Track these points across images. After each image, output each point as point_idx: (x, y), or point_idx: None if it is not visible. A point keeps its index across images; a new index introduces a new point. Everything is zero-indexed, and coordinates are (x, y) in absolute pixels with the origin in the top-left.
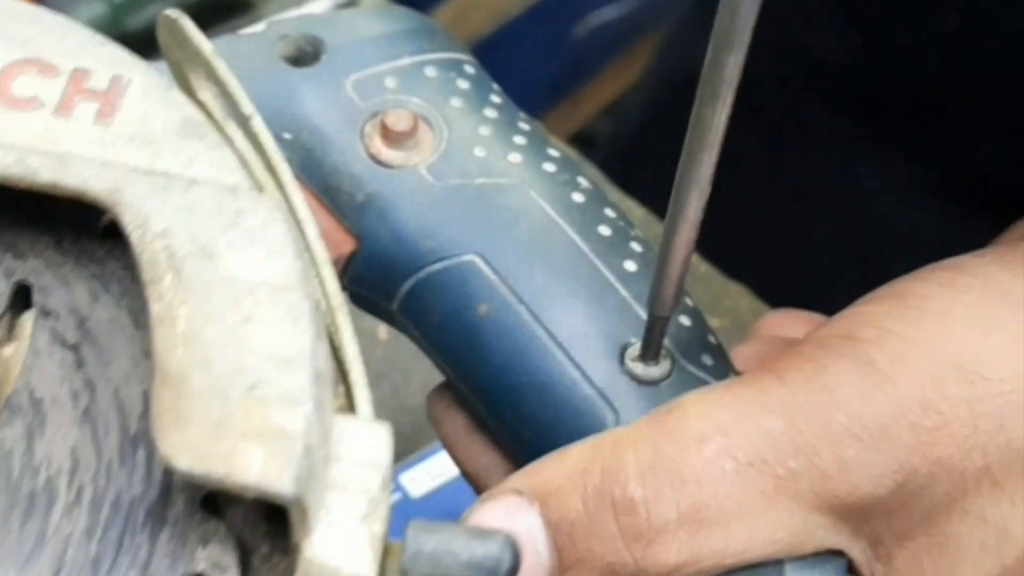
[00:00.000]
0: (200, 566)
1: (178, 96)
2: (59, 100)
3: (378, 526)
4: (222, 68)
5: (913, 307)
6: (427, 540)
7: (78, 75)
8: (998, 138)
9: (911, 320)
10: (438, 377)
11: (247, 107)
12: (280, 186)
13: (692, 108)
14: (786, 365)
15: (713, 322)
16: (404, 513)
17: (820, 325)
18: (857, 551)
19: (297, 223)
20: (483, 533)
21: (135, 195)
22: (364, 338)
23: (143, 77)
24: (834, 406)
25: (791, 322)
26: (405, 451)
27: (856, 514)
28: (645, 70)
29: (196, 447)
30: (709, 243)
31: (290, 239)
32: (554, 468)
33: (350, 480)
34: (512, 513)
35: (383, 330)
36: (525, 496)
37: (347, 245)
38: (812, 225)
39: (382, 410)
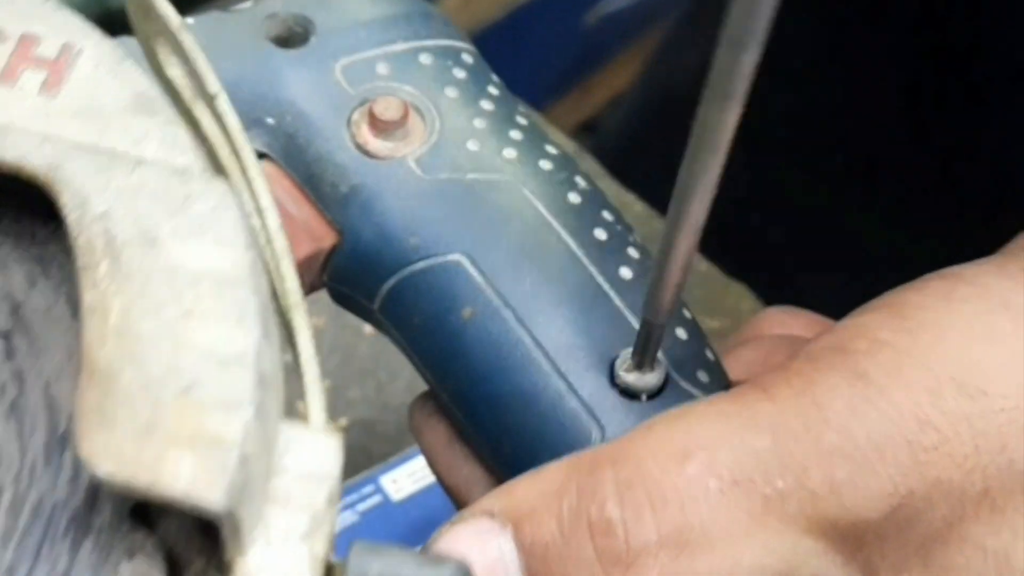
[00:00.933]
0: None
1: (133, 69)
2: (3, 67)
3: (320, 545)
4: (188, 42)
5: (909, 318)
6: (372, 564)
7: (26, 41)
8: (1000, 155)
9: (906, 331)
10: None
11: (213, 85)
12: (243, 170)
13: (687, 109)
14: (774, 380)
15: (713, 323)
16: (385, 517)
17: (813, 338)
18: None
19: (259, 211)
20: (434, 559)
21: (76, 173)
22: (349, 333)
23: (96, 47)
24: (824, 423)
25: (791, 320)
26: (388, 452)
27: (849, 539)
28: (643, 66)
29: (120, 452)
30: (710, 242)
31: (242, 228)
32: (528, 488)
33: (293, 494)
34: (483, 537)
35: (369, 325)
36: (497, 519)
37: (328, 239)
38: (815, 224)
39: (366, 408)
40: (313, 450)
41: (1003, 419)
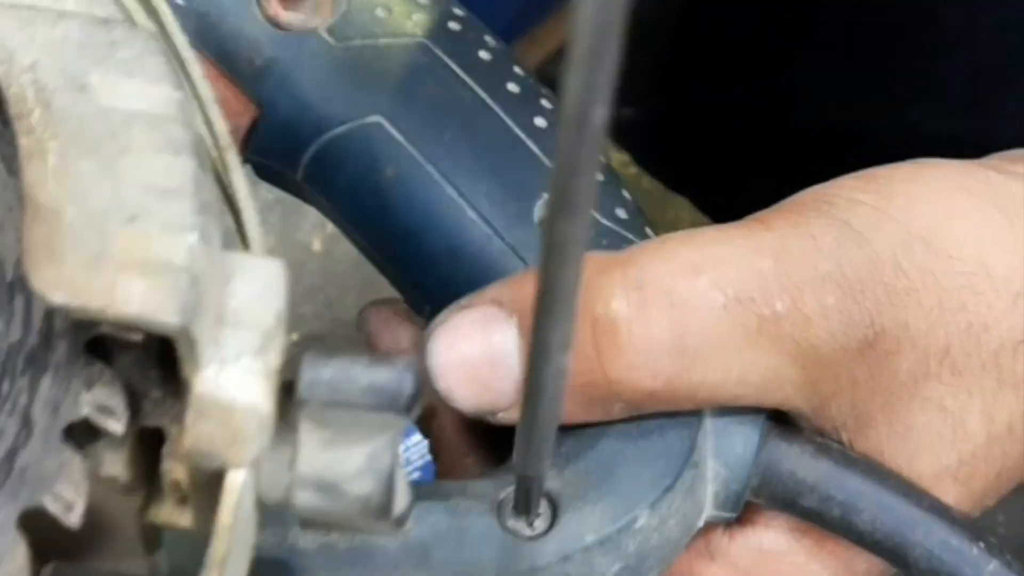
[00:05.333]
0: (84, 410)
1: None
2: None
3: (273, 358)
4: None
5: (882, 185)
6: (324, 368)
7: None
8: None
9: (880, 194)
10: (374, 289)
11: None
12: (162, 26)
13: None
14: (770, 216)
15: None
16: None
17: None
18: (817, 429)
19: (181, 63)
20: (383, 359)
21: (0, 30)
22: (298, 250)
23: None
24: (818, 252)
25: None
26: None
27: (827, 378)
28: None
29: (72, 281)
30: (652, 157)
31: (168, 70)
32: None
33: (242, 315)
34: (488, 324)
35: (318, 242)
36: (505, 307)
37: (248, 114)
38: (754, 136)
39: (316, 323)
40: (258, 273)
41: (963, 281)
